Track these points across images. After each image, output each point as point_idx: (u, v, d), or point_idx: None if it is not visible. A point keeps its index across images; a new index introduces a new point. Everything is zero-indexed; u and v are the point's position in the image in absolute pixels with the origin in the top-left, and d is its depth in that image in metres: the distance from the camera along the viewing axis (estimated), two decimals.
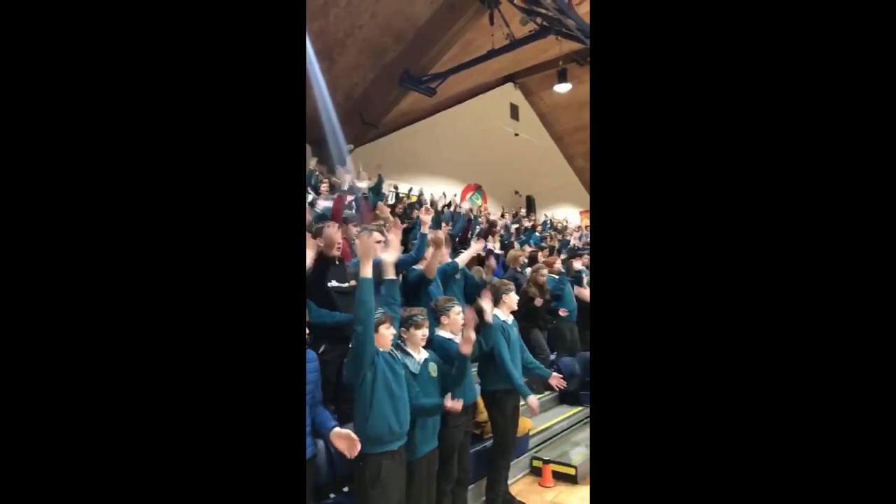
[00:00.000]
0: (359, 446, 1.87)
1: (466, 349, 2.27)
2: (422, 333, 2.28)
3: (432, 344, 2.46)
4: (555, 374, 2.99)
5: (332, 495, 2.41)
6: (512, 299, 2.98)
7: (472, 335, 2.27)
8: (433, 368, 2.31)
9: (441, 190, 9.39)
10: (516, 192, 12.77)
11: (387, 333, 2.12)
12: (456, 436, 2.41)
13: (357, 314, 1.96)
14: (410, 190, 8.82)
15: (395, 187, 8.61)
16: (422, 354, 2.29)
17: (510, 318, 2.97)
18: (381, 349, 2.08)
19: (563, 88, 9.77)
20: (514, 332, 2.96)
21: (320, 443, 2.21)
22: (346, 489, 2.47)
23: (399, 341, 2.26)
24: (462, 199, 10.60)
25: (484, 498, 2.81)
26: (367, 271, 1.95)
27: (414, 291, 3.14)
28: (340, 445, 1.90)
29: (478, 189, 11.83)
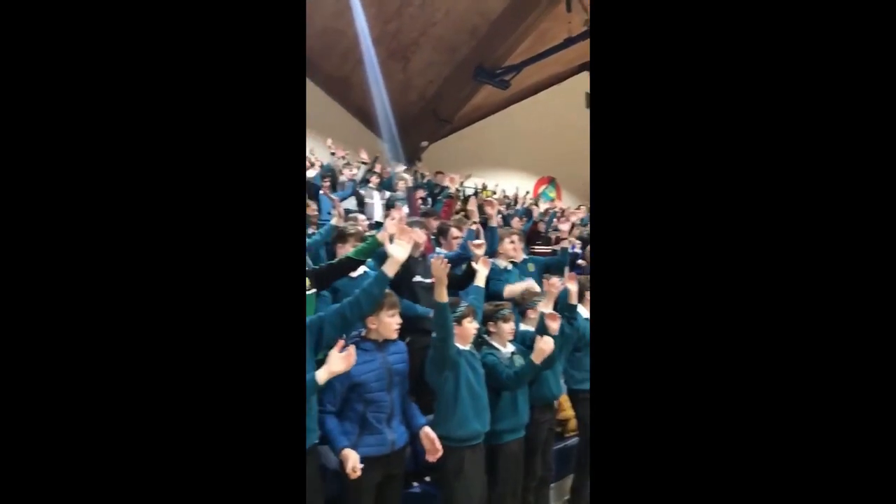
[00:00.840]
0: (440, 453, 1.92)
1: (554, 326, 2.22)
2: (509, 327, 2.28)
3: (517, 338, 2.45)
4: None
5: (415, 484, 2.49)
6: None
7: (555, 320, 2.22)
8: (518, 362, 2.31)
9: (514, 184, 9.30)
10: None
11: (469, 327, 2.14)
12: (541, 431, 2.39)
13: (435, 328, 2.00)
14: (485, 187, 8.81)
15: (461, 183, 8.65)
16: (508, 348, 2.29)
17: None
18: (462, 347, 2.10)
19: None
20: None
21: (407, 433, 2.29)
22: (427, 479, 2.54)
23: (484, 335, 2.28)
24: (535, 192, 10.42)
25: (568, 497, 2.77)
26: (443, 296, 1.97)
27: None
28: (426, 445, 1.95)
29: (551, 182, 11.58)
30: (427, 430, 1.97)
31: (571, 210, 7.50)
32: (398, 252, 1.88)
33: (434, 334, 2.06)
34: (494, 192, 8.07)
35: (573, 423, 2.86)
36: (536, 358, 2.11)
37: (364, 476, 1.82)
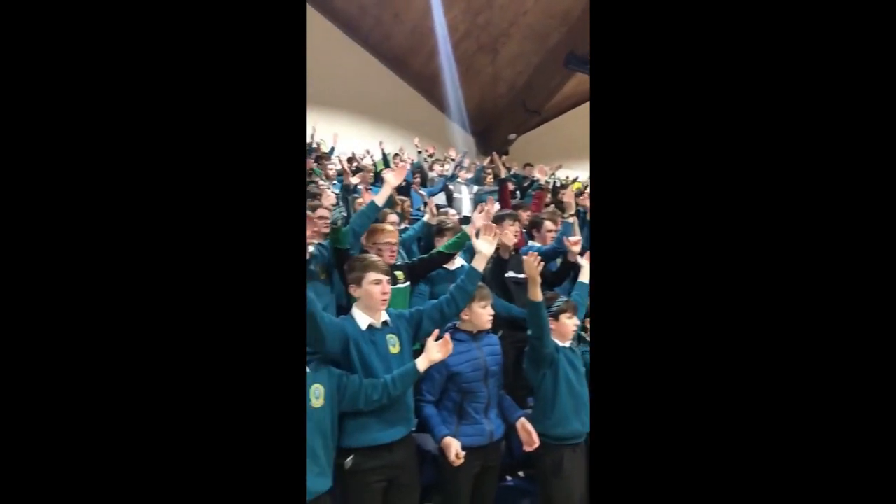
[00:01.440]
0: (537, 444, 1.89)
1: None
2: None
3: None
4: None
5: (509, 478, 2.48)
6: None
7: None
8: None
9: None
10: None
11: (568, 323, 2.08)
12: None
13: (531, 326, 1.97)
14: (576, 179, 8.53)
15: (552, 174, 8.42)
16: None
17: None
18: (561, 344, 2.04)
19: None
20: None
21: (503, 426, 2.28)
22: (521, 473, 2.52)
23: (581, 332, 2.20)
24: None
25: None
26: (537, 294, 1.93)
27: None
28: (523, 437, 1.93)
29: None
30: (524, 421, 1.95)
31: None
32: (484, 247, 1.93)
33: (530, 332, 2.03)
34: (586, 185, 7.79)
35: None
36: None
37: (464, 465, 1.84)
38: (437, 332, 1.83)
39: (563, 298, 2.10)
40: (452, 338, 1.98)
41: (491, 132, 8.26)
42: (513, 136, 7.83)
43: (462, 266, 2.55)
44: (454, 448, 1.76)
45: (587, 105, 9.81)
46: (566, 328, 2.06)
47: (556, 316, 2.06)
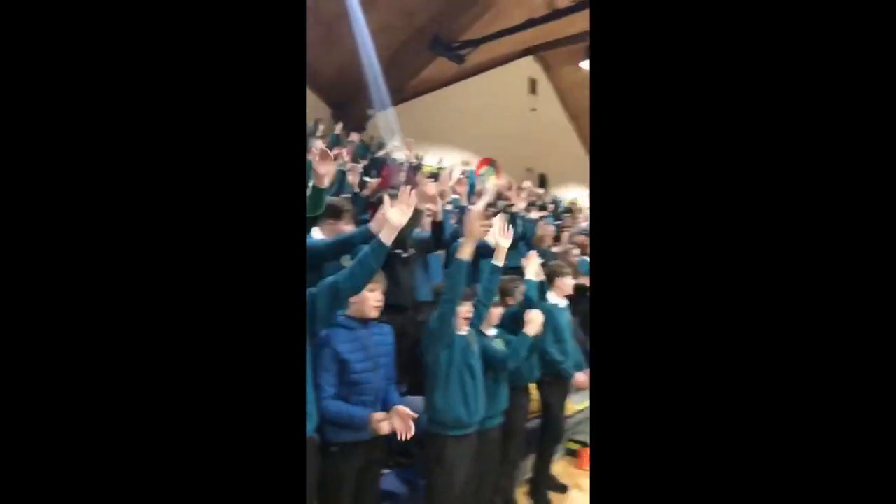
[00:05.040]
0: (411, 432, 1.76)
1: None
2: (497, 311, 2.24)
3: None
4: (579, 374, 2.88)
5: (385, 471, 2.40)
6: (567, 283, 2.93)
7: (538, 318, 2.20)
8: (501, 345, 2.28)
9: (455, 161, 9.22)
10: (528, 169, 12.61)
11: (462, 310, 2.06)
12: (518, 416, 2.39)
13: (446, 293, 1.90)
14: (441, 161, 8.66)
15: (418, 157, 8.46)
16: (492, 332, 2.25)
17: (563, 302, 2.93)
18: (458, 332, 2.02)
19: (589, 65, 9.51)
20: (566, 317, 2.92)
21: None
22: (393, 462, 2.46)
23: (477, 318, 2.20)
24: (476, 172, 10.43)
25: (530, 475, 2.82)
26: (468, 253, 1.87)
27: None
28: (396, 424, 1.73)
29: (492, 164, 11.66)
30: (400, 407, 1.81)
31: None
32: (395, 216, 1.66)
33: (443, 295, 1.93)
34: (442, 168, 7.97)
35: (535, 405, 2.91)
36: (531, 331, 2.08)
37: (344, 462, 1.76)
38: None
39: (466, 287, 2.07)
40: (340, 325, 1.82)
41: (350, 105, 7.87)
42: (371, 111, 7.55)
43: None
44: (387, 422, 1.67)
45: (440, 92, 10.03)
46: (457, 317, 2.04)
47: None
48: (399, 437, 1.76)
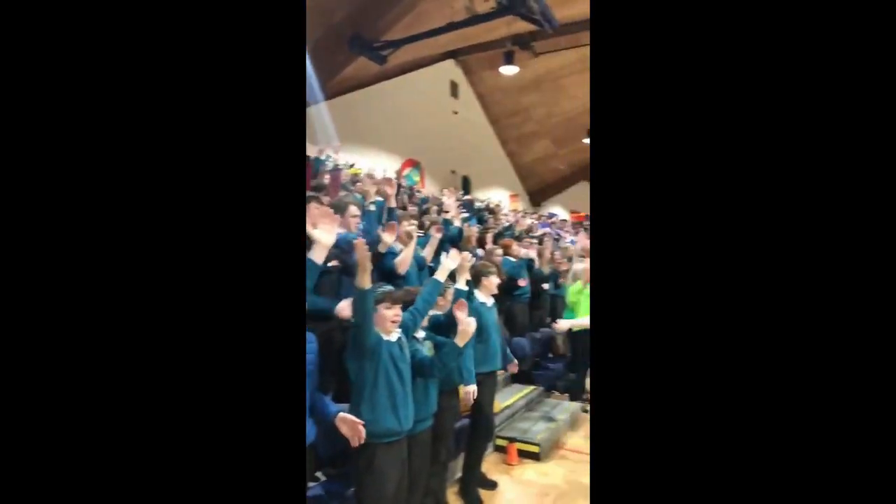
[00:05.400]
0: (364, 433, 1.80)
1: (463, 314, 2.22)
2: None
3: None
4: (513, 362, 3.07)
5: (311, 484, 2.30)
6: (492, 282, 2.98)
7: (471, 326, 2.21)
8: (429, 348, 2.26)
9: (377, 163, 9.11)
10: (452, 172, 12.78)
11: (387, 314, 2.01)
12: (448, 418, 2.39)
13: (355, 314, 1.89)
14: (353, 164, 8.48)
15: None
16: (419, 335, 2.23)
17: (490, 301, 2.98)
18: (385, 337, 1.97)
19: (509, 71, 9.81)
20: (493, 315, 2.97)
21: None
22: (320, 474, 2.37)
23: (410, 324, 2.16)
24: (400, 174, 10.38)
25: (460, 475, 2.83)
26: (366, 281, 1.85)
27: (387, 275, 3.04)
28: (345, 431, 1.81)
29: (416, 165, 11.66)
30: (343, 414, 1.83)
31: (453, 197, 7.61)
32: (323, 237, 1.83)
33: (353, 319, 1.91)
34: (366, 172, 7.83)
35: (465, 405, 2.93)
36: (460, 341, 2.08)
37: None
38: None
39: (389, 288, 2.02)
40: None
41: None
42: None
43: None
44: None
45: (361, 92, 9.86)
46: (383, 318, 1.99)
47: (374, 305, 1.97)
48: (352, 444, 1.79)
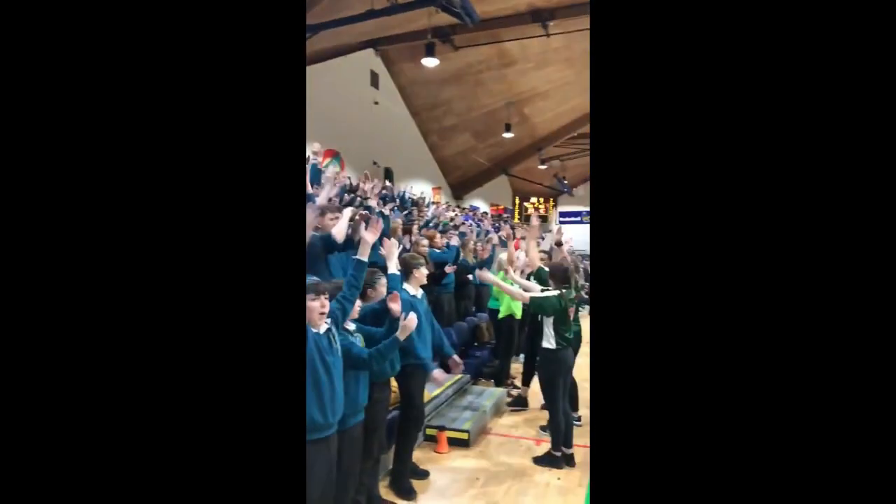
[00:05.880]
0: None
1: (396, 306, 2.24)
2: (357, 304, 2.16)
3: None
4: (454, 357, 3.08)
5: None
6: (422, 273, 2.98)
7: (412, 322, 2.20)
8: (360, 339, 2.21)
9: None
10: (374, 163, 12.58)
11: (313, 305, 1.94)
12: (380, 411, 2.35)
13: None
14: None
15: None
16: (350, 326, 2.17)
17: (420, 292, 2.98)
18: (311, 328, 1.90)
19: (430, 63, 9.80)
20: (424, 306, 2.97)
21: None
22: None
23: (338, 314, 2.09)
24: (321, 164, 10.02)
25: (391, 467, 2.81)
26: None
27: (312, 261, 2.94)
28: None
29: (336, 156, 11.33)
30: None
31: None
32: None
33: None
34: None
35: (394, 397, 2.91)
36: (402, 335, 2.06)
37: None
38: None
39: (314, 279, 1.94)
40: None
41: None
42: None
43: None
44: None
45: None
46: (310, 312, 1.92)
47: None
48: None
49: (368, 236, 2.13)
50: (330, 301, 1.96)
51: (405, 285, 2.84)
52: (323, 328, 1.93)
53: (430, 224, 7.04)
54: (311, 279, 1.95)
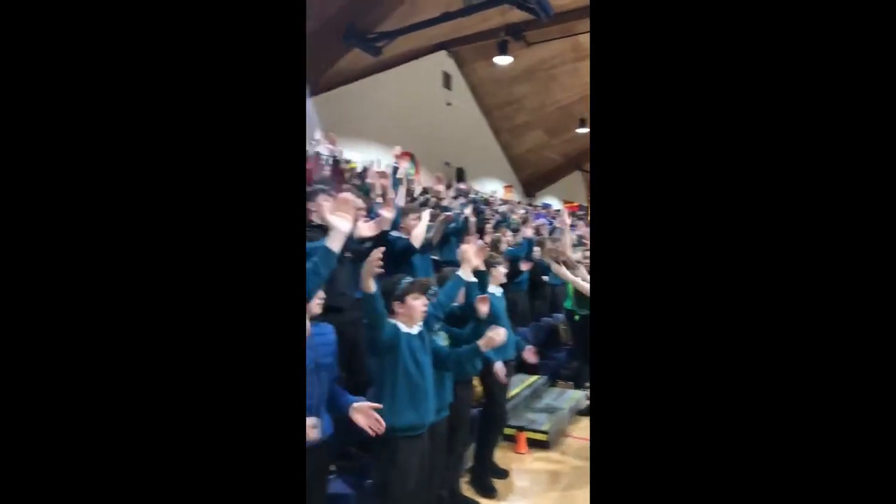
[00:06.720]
0: (383, 423, 1.79)
1: (484, 308, 2.29)
2: (421, 305, 2.19)
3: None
4: (528, 347, 3.10)
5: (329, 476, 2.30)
6: (500, 272, 2.99)
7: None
8: (444, 338, 2.27)
9: (371, 156, 9.05)
10: (447, 163, 12.73)
11: (416, 305, 1.98)
12: (463, 408, 2.40)
13: (365, 315, 1.87)
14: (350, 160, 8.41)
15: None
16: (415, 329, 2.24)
17: (499, 291, 2.99)
18: (405, 329, 1.96)
19: (503, 61, 9.74)
20: (503, 304, 2.98)
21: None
22: (332, 468, 2.37)
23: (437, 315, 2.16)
24: (400, 167, 10.32)
25: (472, 464, 2.85)
26: (369, 286, 1.82)
27: (396, 261, 3.04)
28: (361, 422, 1.80)
29: (411, 158, 11.60)
30: (356, 405, 1.81)
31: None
32: (341, 224, 1.71)
33: (364, 320, 1.90)
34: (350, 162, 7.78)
35: (477, 392, 2.95)
36: (484, 346, 2.08)
37: None
38: None
39: (408, 279, 2.01)
40: None
41: None
42: None
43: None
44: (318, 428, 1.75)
45: (355, 85, 9.77)
46: (413, 311, 1.98)
47: (400, 298, 1.96)
48: (371, 434, 1.77)
49: (475, 259, 2.26)
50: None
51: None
52: (416, 329, 1.99)
53: (503, 223, 7.00)
54: (407, 278, 2.03)
